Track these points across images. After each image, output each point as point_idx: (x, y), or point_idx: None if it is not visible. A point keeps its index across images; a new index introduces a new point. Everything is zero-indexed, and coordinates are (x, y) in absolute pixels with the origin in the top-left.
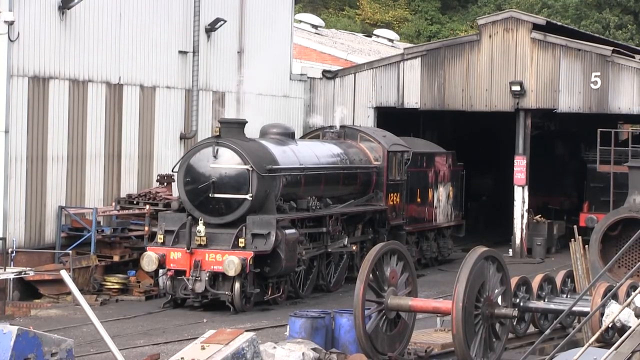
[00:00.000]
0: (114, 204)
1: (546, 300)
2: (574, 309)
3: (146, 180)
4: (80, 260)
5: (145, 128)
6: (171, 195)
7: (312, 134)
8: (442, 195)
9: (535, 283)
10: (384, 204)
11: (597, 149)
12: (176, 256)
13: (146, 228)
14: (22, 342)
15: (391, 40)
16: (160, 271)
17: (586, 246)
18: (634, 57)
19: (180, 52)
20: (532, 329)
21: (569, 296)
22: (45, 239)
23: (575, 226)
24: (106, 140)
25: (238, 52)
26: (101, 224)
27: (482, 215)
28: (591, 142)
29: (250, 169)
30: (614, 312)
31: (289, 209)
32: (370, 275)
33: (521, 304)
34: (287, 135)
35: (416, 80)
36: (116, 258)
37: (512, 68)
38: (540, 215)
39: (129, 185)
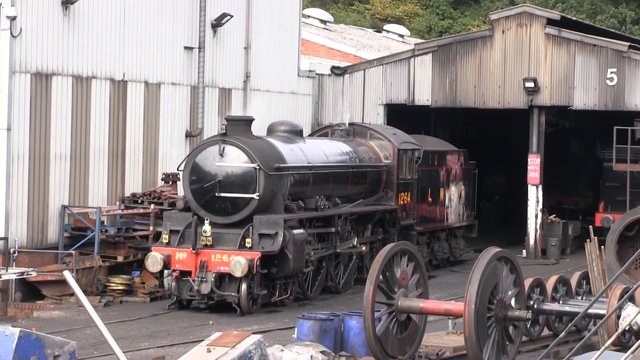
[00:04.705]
0: (118, 203)
1: (561, 302)
2: (590, 311)
3: (151, 179)
4: (84, 260)
5: (150, 126)
6: (176, 194)
7: (321, 131)
8: (453, 195)
9: (549, 285)
10: (394, 203)
11: (613, 147)
12: (181, 257)
13: (151, 228)
14: (25, 344)
15: (402, 36)
16: (165, 272)
17: (602, 247)
18: None
19: (185, 47)
20: (546, 331)
21: (584, 298)
22: (48, 239)
23: (590, 226)
24: (110, 138)
25: (245, 48)
26: (105, 223)
27: (495, 215)
28: (607, 140)
29: (257, 167)
30: (630, 315)
31: (296, 209)
32: (380, 277)
33: (535, 306)
34: (295, 133)
35: (427, 77)
36: (120, 258)
37: (525, 64)
38: (554, 215)
39: (134, 184)
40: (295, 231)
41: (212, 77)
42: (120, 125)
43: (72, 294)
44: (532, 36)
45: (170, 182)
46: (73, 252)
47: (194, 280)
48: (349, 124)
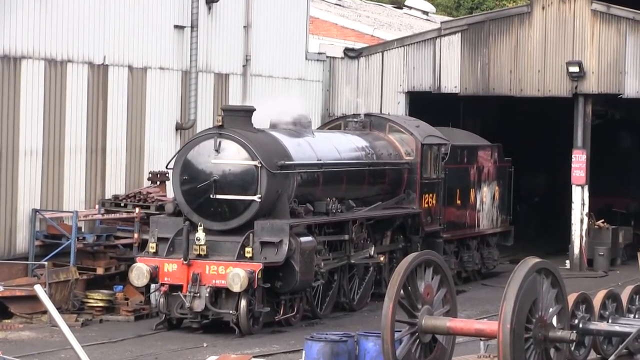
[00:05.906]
0: (97, 206)
1: (610, 321)
2: None
3: (136, 178)
4: (58, 273)
5: (135, 117)
6: (165, 196)
7: (333, 123)
8: (486, 197)
9: (597, 301)
10: (417, 206)
11: None
12: (171, 268)
13: (135, 235)
14: None
15: (426, 13)
16: (152, 286)
17: None
18: None
19: (176, 26)
20: (593, 354)
21: (637, 316)
22: (17, 248)
23: None
24: (88, 131)
25: (244, 27)
26: (82, 230)
27: (534, 220)
28: None
29: (259, 165)
30: None
31: (304, 213)
32: (401, 292)
33: (580, 325)
34: (303, 125)
35: (455, 60)
36: (100, 270)
37: (569, 46)
38: (602, 220)
39: (116, 185)
40: (303, 239)
41: (207, 60)
42: (100, 116)
43: (45, 312)
44: (576, 13)
45: (158, 183)
46: (45, 263)
47: (185, 296)
48: (365, 115)
